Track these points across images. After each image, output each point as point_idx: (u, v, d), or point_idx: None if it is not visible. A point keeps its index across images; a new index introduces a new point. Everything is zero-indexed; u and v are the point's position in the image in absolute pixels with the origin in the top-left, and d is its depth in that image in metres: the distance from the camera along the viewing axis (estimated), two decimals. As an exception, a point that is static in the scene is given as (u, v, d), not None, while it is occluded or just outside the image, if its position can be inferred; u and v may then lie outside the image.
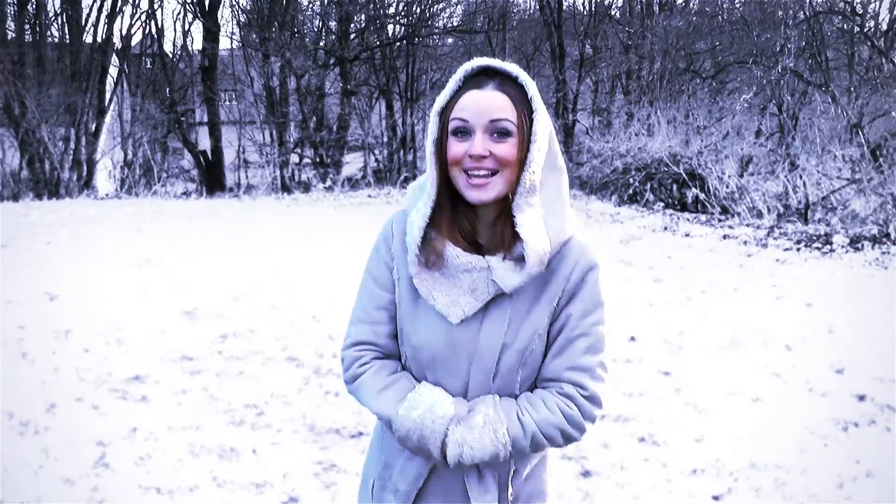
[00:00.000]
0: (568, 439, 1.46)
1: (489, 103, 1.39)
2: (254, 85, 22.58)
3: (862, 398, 4.42)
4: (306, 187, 19.80)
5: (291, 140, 21.52)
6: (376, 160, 22.87)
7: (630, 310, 6.35)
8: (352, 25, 21.57)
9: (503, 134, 1.40)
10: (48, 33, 21.98)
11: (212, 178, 23.23)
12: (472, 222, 1.47)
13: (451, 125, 1.42)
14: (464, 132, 1.40)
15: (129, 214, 11.81)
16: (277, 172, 21.02)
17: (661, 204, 12.74)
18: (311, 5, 21.77)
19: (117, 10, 21.63)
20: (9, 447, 3.79)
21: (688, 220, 11.18)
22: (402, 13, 22.13)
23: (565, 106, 19.57)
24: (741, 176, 11.90)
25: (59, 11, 21.99)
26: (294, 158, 21.40)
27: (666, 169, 12.72)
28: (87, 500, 3.29)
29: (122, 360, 5.09)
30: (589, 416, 1.46)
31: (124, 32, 23.87)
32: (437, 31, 23.08)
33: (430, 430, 1.41)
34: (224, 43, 28.03)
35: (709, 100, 15.43)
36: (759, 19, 15.24)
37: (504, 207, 1.43)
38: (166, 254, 8.45)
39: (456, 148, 1.41)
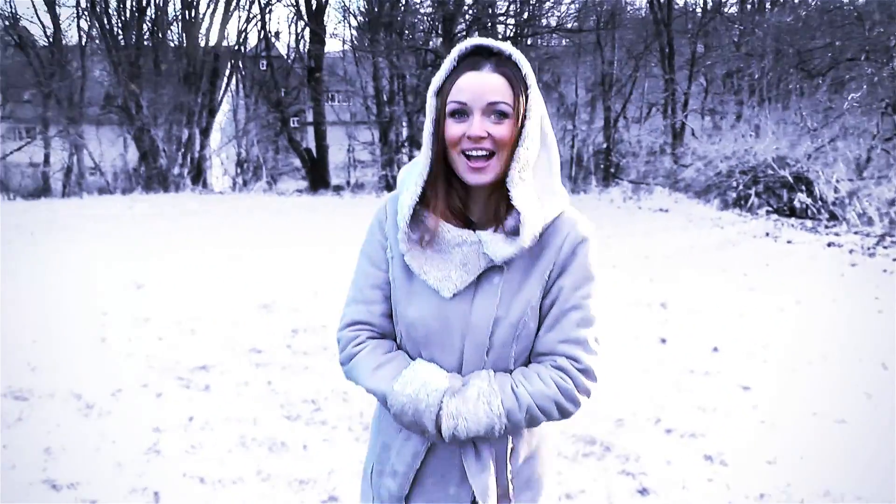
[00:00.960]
0: (563, 413, 1.45)
1: (487, 85, 1.40)
2: (363, 86, 22.95)
3: (966, 426, 3.99)
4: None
5: (398, 140, 21.75)
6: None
7: (717, 319, 6.01)
8: (457, 26, 21.53)
9: (500, 115, 1.41)
10: (165, 36, 22.98)
11: (316, 176, 23.79)
12: (463, 199, 1.49)
13: (449, 107, 1.42)
14: (461, 113, 1.41)
15: (229, 209, 12.20)
16: (383, 171, 21.31)
17: (767, 209, 12.10)
18: (418, 6, 21.78)
19: (229, 14, 22.40)
20: (70, 428, 3.89)
21: (792, 226, 10.56)
22: (511, 12, 21.89)
23: (673, 107, 18.95)
24: (851, 180, 11.14)
25: (176, 16, 22.95)
26: (402, 158, 21.62)
27: (772, 172, 12.06)
28: (132, 485, 3.33)
29: (193, 350, 5.19)
30: (583, 389, 1.45)
31: (238, 37, 24.75)
32: (544, 30, 22.75)
33: (424, 404, 1.41)
34: (335, 45, 28.54)
35: (820, 99, 14.55)
36: (873, 13, 14.21)
37: (497, 184, 1.44)
38: (252, 248, 8.64)
39: (454, 129, 1.41)
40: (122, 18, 21.71)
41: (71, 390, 4.39)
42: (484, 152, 1.40)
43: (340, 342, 1.55)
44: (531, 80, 1.43)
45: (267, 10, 24.76)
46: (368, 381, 1.48)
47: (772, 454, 3.69)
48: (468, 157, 1.40)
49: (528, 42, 21.99)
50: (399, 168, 21.13)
